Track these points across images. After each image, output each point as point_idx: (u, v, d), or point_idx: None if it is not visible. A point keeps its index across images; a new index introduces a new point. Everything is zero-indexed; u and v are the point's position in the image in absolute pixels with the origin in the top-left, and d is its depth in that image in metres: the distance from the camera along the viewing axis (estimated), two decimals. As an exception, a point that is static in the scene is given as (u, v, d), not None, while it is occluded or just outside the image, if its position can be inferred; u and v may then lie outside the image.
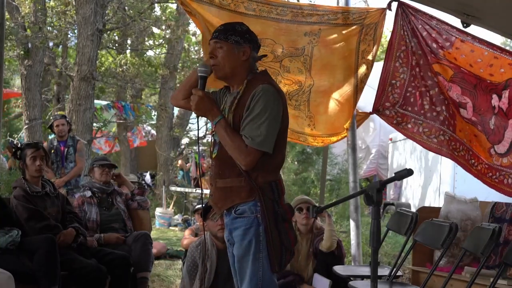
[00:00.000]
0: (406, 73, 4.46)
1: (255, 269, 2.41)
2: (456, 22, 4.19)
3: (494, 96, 4.09)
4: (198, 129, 2.86)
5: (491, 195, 4.73)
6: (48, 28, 9.63)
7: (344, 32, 4.46)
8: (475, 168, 4.27)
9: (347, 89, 4.56)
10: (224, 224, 2.59)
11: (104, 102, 12.69)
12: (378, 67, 4.64)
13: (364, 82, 4.55)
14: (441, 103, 4.37)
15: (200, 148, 13.95)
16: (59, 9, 9.64)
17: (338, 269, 3.97)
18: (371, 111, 4.67)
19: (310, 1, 8.43)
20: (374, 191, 2.12)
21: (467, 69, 4.18)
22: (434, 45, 4.29)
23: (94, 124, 10.02)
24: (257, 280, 2.41)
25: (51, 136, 6.50)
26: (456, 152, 4.36)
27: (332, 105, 4.60)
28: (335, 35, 4.47)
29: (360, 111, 4.84)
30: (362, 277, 3.92)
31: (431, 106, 4.39)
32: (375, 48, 4.48)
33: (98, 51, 9.12)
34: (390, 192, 10.81)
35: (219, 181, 2.51)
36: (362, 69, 4.51)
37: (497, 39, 14.16)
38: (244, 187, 2.43)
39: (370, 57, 4.48)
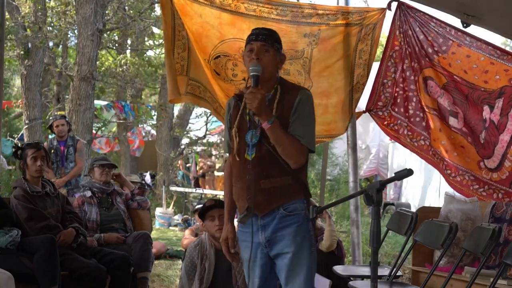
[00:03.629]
0: (397, 73, 4.49)
1: (311, 263, 2.54)
2: (456, 22, 4.19)
3: (486, 107, 4.08)
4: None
5: (491, 195, 4.72)
6: (48, 28, 9.63)
7: (343, 32, 4.46)
8: (452, 179, 4.29)
9: (344, 89, 4.56)
10: (257, 225, 2.57)
11: (104, 102, 12.69)
12: (376, 66, 4.65)
13: (361, 82, 4.54)
14: (422, 110, 4.42)
15: (200, 148, 13.98)
16: (59, 9, 9.64)
17: (338, 269, 3.97)
18: (364, 110, 4.70)
19: (310, 1, 8.42)
20: (374, 191, 2.11)
21: (461, 76, 4.17)
22: (430, 50, 4.28)
23: (94, 124, 10.02)
24: (311, 272, 2.54)
25: (51, 136, 6.51)
26: (436, 157, 4.40)
27: (329, 106, 4.60)
28: (334, 36, 4.47)
29: (356, 110, 4.84)
30: (362, 277, 3.93)
31: (415, 111, 4.45)
32: (373, 48, 4.48)
33: (98, 51, 9.12)
34: (390, 192, 10.82)
35: (264, 182, 2.52)
36: (359, 70, 4.50)
37: (497, 39, 14.16)
38: (292, 185, 2.52)
39: (367, 57, 4.48)
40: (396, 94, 4.53)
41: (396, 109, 4.52)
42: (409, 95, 4.46)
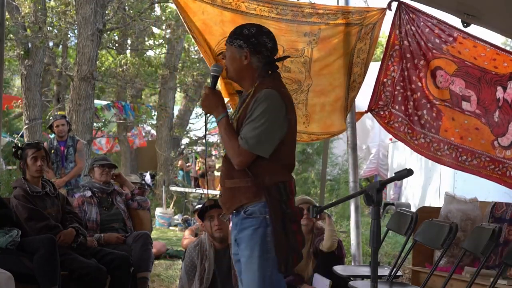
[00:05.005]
0: (397, 72, 4.52)
1: (264, 269, 2.42)
2: (456, 22, 4.21)
3: (499, 88, 4.17)
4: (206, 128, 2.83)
5: (491, 195, 4.74)
6: (48, 28, 9.62)
7: (343, 32, 4.47)
8: (468, 163, 4.34)
9: (342, 88, 4.58)
10: (232, 224, 2.59)
11: (104, 102, 12.69)
12: (376, 67, 4.66)
13: (357, 81, 4.56)
14: (422, 107, 4.47)
15: (201, 148, 13.98)
16: (59, 9, 9.63)
17: (338, 269, 3.97)
18: (366, 110, 4.71)
19: (310, 1, 8.41)
20: (374, 191, 2.11)
21: (471, 62, 4.25)
22: (437, 40, 4.33)
23: (94, 124, 10.02)
24: (264, 279, 2.42)
25: (51, 136, 6.51)
26: (439, 152, 4.44)
27: (326, 104, 4.63)
28: (334, 35, 4.48)
29: (356, 110, 4.85)
30: (362, 277, 3.92)
31: (414, 110, 4.52)
32: (372, 47, 4.50)
33: (98, 51, 9.12)
34: (390, 192, 10.81)
35: (227, 182, 2.52)
36: (357, 68, 4.52)
37: (497, 39, 14.16)
38: (250, 187, 2.44)
39: (365, 57, 4.49)
40: (396, 92, 4.57)
41: (397, 107, 4.58)
42: (407, 94, 4.51)
